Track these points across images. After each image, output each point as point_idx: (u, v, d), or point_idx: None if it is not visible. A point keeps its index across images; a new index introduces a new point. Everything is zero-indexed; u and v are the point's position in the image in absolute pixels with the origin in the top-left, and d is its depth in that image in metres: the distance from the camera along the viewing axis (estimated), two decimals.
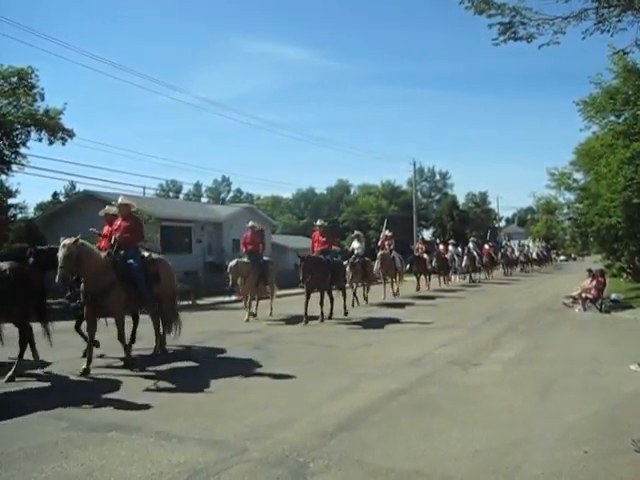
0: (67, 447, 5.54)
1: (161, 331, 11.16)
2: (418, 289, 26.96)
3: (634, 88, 19.64)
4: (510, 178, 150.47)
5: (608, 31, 12.08)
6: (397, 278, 24.12)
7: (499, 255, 41.83)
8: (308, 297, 15.59)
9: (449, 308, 19.58)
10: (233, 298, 20.67)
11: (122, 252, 10.20)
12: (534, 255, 51.58)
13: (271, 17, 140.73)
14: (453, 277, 33.19)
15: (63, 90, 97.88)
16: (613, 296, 18.31)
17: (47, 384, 8.55)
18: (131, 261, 10.12)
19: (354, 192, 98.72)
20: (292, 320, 16.01)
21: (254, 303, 16.98)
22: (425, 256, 28.52)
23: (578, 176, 26.17)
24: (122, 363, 9.81)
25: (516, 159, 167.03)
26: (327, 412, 6.67)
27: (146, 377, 8.94)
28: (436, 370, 9.02)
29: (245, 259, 16.72)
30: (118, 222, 10.79)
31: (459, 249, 34.83)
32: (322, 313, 15.72)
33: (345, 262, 19.18)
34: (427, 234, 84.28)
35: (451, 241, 36.21)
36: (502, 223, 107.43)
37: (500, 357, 10.15)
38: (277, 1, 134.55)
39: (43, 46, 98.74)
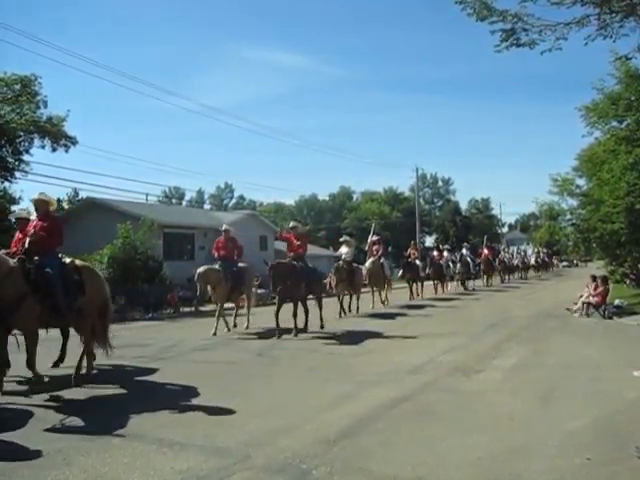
0: (70, 454, 5.55)
1: (95, 348, 9.74)
2: (411, 298, 25.66)
3: (636, 94, 19.67)
4: (513, 184, 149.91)
5: (610, 37, 12.11)
6: (386, 286, 23.00)
7: (497, 261, 39.61)
8: (279, 308, 14.28)
9: (443, 318, 19.51)
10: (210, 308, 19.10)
11: (37, 258, 8.63)
12: (532, 261, 50.24)
13: (272, 23, 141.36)
14: (449, 285, 31.86)
15: (65, 97, 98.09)
16: (616, 302, 18.28)
17: (49, 390, 8.55)
18: (47, 269, 8.57)
19: (356, 198, 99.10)
20: (266, 334, 14.45)
21: (234, 313, 16.31)
22: (418, 263, 27.16)
23: (581, 182, 26.24)
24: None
25: (518, 165, 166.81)
26: (329, 419, 6.67)
27: (147, 384, 8.95)
28: (438, 377, 9.01)
29: (216, 266, 15.48)
30: (34, 222, 9.33)
31: (456, 255, 33.69)
32: (295, 326, 14.17)
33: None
34: (430, 240, 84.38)
35: (446, 246, 34.94)
36: (505, 229, 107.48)
37: (502, 364, 10.14)
38: (278, 7, 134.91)
39: (45, 53, 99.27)
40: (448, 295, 28.24)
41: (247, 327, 15.82)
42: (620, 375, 8.94)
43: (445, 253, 31.97)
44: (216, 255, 15.91)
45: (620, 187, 19.42)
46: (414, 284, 26.43)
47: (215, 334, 14.52)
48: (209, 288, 15.17)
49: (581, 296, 18.25)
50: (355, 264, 20.39)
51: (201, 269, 15.08)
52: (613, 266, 29.24)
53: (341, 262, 19.54)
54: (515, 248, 53.82)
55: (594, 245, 24.84)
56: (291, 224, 16.26)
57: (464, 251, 34.47)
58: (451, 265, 31.20)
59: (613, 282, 24.12)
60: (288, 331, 14.01)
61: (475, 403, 7.40)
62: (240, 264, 16.16)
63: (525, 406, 7.23)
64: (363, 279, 20.88)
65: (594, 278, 18.76)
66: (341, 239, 21.38)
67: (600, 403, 7.26)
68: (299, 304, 14.56)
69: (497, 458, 5.30)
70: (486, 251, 36.98)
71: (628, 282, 27.42)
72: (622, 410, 6.96)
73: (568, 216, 25.66)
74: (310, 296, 15.36)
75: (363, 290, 21.17)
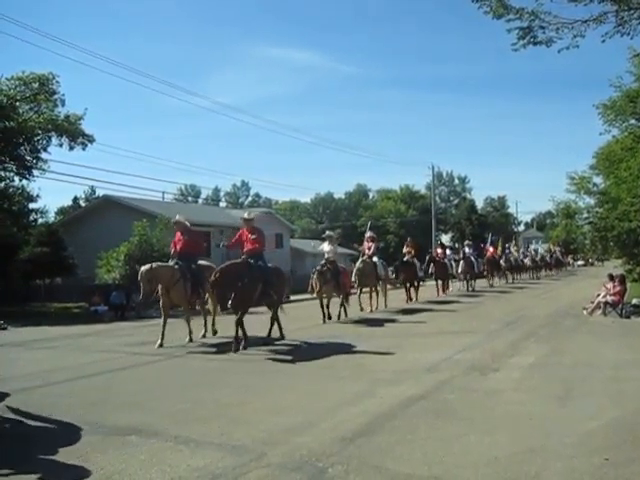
0: (87, 451, 5.58)
1: None
2: (408, 301, 23.09)
3: None
4: (529, 182, 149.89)
5: (628, 34, 12.05)
6: (382, 288, 21.11)
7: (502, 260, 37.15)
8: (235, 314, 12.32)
9: (456, 317, 19.43)
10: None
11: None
12: (538, 259, 47.56)
13: (286, 22, 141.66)
14: (453, 285, 30.01)
15: (83, 95, 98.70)
16: (634, 301, 18.12)
17: (65, 388, 8.62)
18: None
19: (372, 196, 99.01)
20: (224, 348, 12.06)
21: (203, 318, 14.25)
22: (416, 262, 24.51)
23: (598, 180, 26.02)
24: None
25: (535, 163, 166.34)
26: (345, 417, 6.66)
27: (163, 381, 8.99)
28: (454, 375, 8.96)
29: (171, 262, 13.49)
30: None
31: (467, 251, 31.62)
32: (244, 336, 11.94)
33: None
34: (446, 238, 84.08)
35: (448, 244, 33.52)
36: (521, 227, 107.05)
37: (519, 362, 10.06)
38: (292, 6, 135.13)
39: (63, 52, 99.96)
40: (450, 297, 25.94)
41: (203, 335, 13.83)
42: (638, 375, 8.86)
43: (448, 251, 30.49)
44: (172, 251, 14.09)
45: (638, 185, 19.26)
46: (411, 286, 23.85)
47: (161, 345, 12.35)
48: (160, 289, 12.90)
49: (598, 295, 18.11)
50: (342, 265, 19.12)
51: (146, 266, 12.74)
52: (631, 265, 29.00)
53: (324, 262, 17.70)
54: (525, 247, 52.38)
55: (611, 244, 24.64)
56: (245, 214, 13.60)
57: (467, 249, 32.41)
58: (454, 264, 29.45)
59: (631, 281, 23.96)
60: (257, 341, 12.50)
61: (492, 402, 7.36)
62: (203, 262, 14.58)
63: (543, 405, 7.18)
64: (352, 280, 19.21)
65: (611, 277, 18.62)
66: (323, 235, 19.60)
67: (619, 403, 7.19)
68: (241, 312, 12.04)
69: (514, 458, 5.26)
70: (491, 249, 35.42)
71: None
72: None
73: (585, 214, 25.41)
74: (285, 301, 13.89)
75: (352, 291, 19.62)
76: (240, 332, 11.87)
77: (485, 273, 33.87)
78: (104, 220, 32.80)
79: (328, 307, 17.35)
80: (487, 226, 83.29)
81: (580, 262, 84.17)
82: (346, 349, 11.78)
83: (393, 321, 16.84)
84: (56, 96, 26.34)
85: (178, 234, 13.93)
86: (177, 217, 14.47)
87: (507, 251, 40.41)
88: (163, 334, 12.53)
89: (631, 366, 9.57)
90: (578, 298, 21.49)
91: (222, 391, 8.15)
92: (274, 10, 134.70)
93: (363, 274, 19.32)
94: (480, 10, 12.11)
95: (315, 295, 17.58)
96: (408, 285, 23.62)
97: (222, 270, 11.61)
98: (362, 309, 19.46)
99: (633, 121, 20.90)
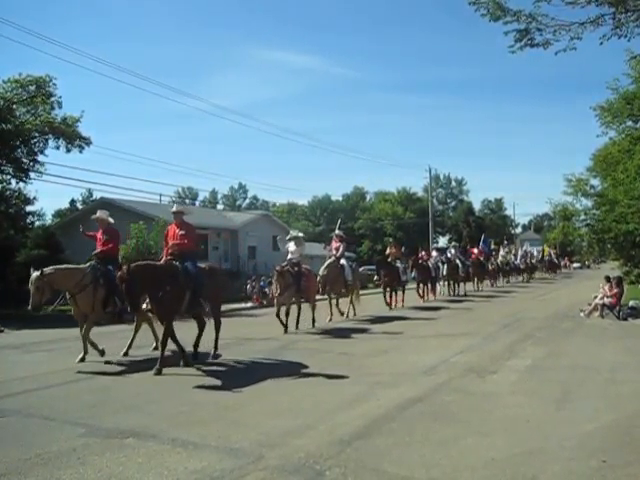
0: (84, 453, 5.57)
1: None
2: (390, 307, 21.39)
3: None
4: (526, 184, 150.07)
5: (625, 36, 12.09)
6: (354, 295, 19.29)
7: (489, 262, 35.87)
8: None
9: (451, 320, 19.40)
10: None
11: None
12: (533, 261, 46.60)
13: (284, 25, 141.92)
14: (438, 289, 28.28)
15: (80, 98, 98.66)
16: (631, 303, 18.16)
17: (62, 390, 8.61)
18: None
19: (370, 199, 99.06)
20: (142, 367, 10.34)
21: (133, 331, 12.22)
22: (399, 264, 22.92)
23: (595, 182, 26.11)
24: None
25: (532, 165, 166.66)
26: (343, 420, 6.66)
27: (160, 385, 8.97)
28: (452, 378, 8.98)
29: (84, 265, 11.65)
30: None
31: (449, 255, 29.94)
32: (161, 353, 10.00)
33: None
34: (443, 241, 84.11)
35: (435, 245, 31.94)
36: (518, 229, 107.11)
37: (516, 365, 10.09)
38: (290, 9, 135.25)
39: (60, 54, 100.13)
40: (435, 303, 24.10)
41: (126, 352, 11.74)
42: (636, 377, 8.89)
43: (434, 253, 28.99)
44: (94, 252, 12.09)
45: (635, 187, 19.30)
46: (392, 290, 22.11)
47: (84, 359, 10.85)
48: (67, 296, 11.18)
49: (595, 297, 18.14)
50: (307, 267, 16.64)
51: (36, 273, 10.54)
52: (628, 267, 29.05)
53: (285, 262, 15.79)
54: (519, 249, 49.24)
55: (609, 246, 24.70)
56: (174, 208, 11.54)
57: (452, 251, 30.90)
58: (440, 267, 27.73)
59: (628, 283, 24.01)
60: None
61: (490, 404, 7.37)
62: (201, 264, 12.10)
63: (540, 408, 7.19)
64: (318, 284, 17.08)
65: (608, 279, 18.65)
66: (288, 236, 17.04)
67: (616, 405, 7.21)
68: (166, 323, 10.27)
69: (512, 460, 5.27)
70: (475, 251, 34.32)
71: None
72: (639, 413, 6.91)
73: (582, 216, 25.51)
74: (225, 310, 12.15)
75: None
76: (173, 347, 10.45)
77: (471, 276, 31.98)
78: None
79: (288, 315, 15.25)
80: (484, 228, 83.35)
81: (576, 264, 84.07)
82: (343, 351, 11.77)
83: (389, 324, 16.82)
84: (53, 98, 26.30)
85: (99, 232, 12.14)
86: (98, 213, 12.53)
87: (493, 253, 39.05)
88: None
89: (628, 368, 9.60)
90: (575, 301, 21.53)
91: (220, 394, 8.14)
92: (273, 13, 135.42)
93: (328, 279, 17.47)
94: (477, 13, 12.14)
95: (274, 301, 15.70)
96: (389, 289, 21.97)
97: (136, 268, 9.72)
98: (331, 319, 17.55)
99: (630, 123, 20.97)
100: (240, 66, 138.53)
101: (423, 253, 26.94)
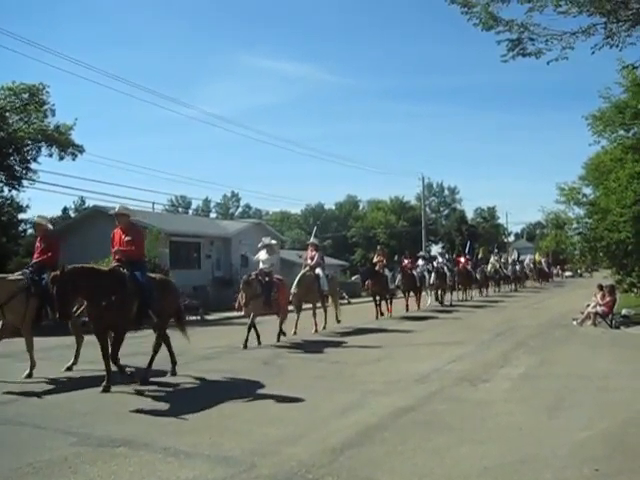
0: (76, 462, 5.53)
1: None
2: (378, 316, 20.78)
3: None
4: (519, 193, 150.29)
5: (617, 46, 12.17)
6: (333, 304, 18.49)
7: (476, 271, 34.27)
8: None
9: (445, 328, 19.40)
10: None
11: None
12: (525, 270, 45.56)
13: (276, 32, 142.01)
14: (425, 299, 27.22)
15: (72, 105, 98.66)
16: (624, 312, 18.24)
17: (54, 399, 8.56)
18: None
19: (363, 207, 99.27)
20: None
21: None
22: (387, 272, 22.08)
23: (587, 191, 26.08)
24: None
25: (525, 174, 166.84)
26: (335, 428, 6.64)
27: (153, 393, 8.93)
28: (445, 386, 8.97)
29: (17, 274, 10.55)
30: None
31: (436, 263, 28.83)
32: (108, 379, 8.94)
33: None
34: (436, 249, 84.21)
35: (421, 253, 29.74)
36: (511, 238, 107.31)
37: (509, 373, 10.09)
38: (282, 16, 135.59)
39: (53, 62, 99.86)
40: (425, 313, 23.58)
41: (72, 366, 10.92)
42: (629, 385, 8.91)
43: (420, 262, 27.47)
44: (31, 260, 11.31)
45: (627, 196, 19.33)
46: (382, 299, 21.47)
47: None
48: None
49: (588, 306, 18.17)
50: (278, 277, 15.50)
51: None
52: (620, 275, 29.09)
53: (256, 273, 14.57)
54: (509, 256, 48.41)
55: (601, 254, 24.68)
56: (116, 209, 10.30)
57: (440, 259, 30.07)
58: (427, 275, 26.48)
59: (620, 292, 24.04)
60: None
61: (483, 413, 7.36)
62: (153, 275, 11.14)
63: (533, 416, 7.19)
64: (289, 296, 15.96)
65: (601, 287, 18.69)
66: (260, 244, 15.80)
67: (609, 414, 7.22)
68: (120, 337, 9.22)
69: (505, 468, 5.26)
70: (462, 260, 32.82)
71: (636, 291, 27.28)
72: (631, 421, 6.91)
73: (575, 225, 25.46)
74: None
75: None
76: (161, 355, 10.07)
77: (459, 286, 30.76)
78: (94, 230, 32.53)
79: (254, 328, 14.02)
80: (477, 237, 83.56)
81: (568, 273, 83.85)
82: (336, 359, 11.77)
83: (381, 332, 16.82)
84: (46, 106, 26.35)
85: (38, 240, 11.16)
86: (37, 218, 11.84)
87: (478, 262, 37.35)
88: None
89: (621, 377, 9.62)
90: (567, 309, 21.57)
91: (212, 402, 8.10)
92: (265, 20, 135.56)
93: (301, 289, 16.49)
94: (469, 22, 12.20)
95: (242, 312, 14.38)
96: (378, 299, 21.26)
97: (72, 270, 8.68)
98: (295, 332, 15.95)
99: (622, 132, 21.02)
100: (233, 74, 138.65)
101: (407, 261, 25.55)
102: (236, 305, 14.39)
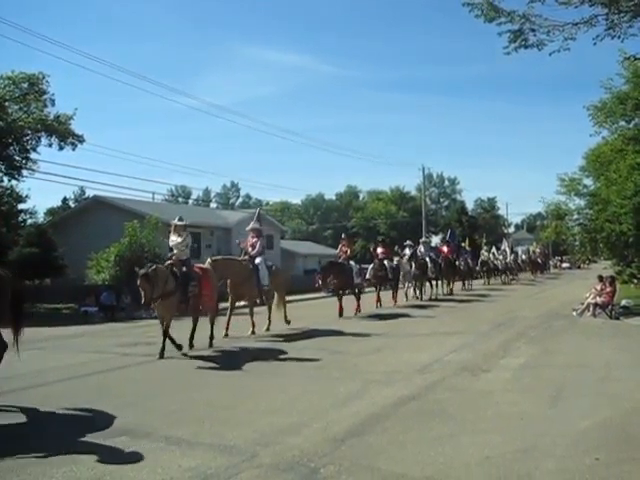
0: (77, 452, 5.55)
1: None
2: (340, 314, 18.24)
3: None
4: (519, 184, 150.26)
5: (619, 37, 12.15)
6: (278, 302, 15.91)
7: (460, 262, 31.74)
8: None
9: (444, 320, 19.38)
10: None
11: None
12: (519, 260, 43.75)
13: (277, 23, 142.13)
14: (409, 291, 24.81)
15: (72, 95, 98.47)
16: (623, 302, 18.25)
17: (55, 388, 8.58)
18: None
19: (363, 198, 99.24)
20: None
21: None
22: (352, 264, 19.66)
23: (588, 182, 26.06)
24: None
25: (525, 165, 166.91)
26: (337, 418, 6.65)
27: (155, 382, 8.95)
28: (446, 376, 8.98)
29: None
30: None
31: (418, 253, 26.04)
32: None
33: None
34: (436, 240, 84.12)
35: (408, 242, 26.35)
36: (511, 229, 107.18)
37: (510, 363, 10.10)
38: (283, 7, 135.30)
39: (53, 52, 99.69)
40: (422, 302, 23.16)
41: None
42: (629, 375, 8.91)
43: (407, 250, 25.23)
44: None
45: (627, 187, 19.31)
46: (343, 295, 19.17)
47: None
48: None
49: (588, 296, 18.17)
50: (201, 266, 12.95)
51: None
52: (620, 266, 29.12)
53: (167, 263, 11.90)
54: (502, 246, 44.07)
55: (601, 245, 24.68)
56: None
57: (421, 248, 26.91)
58: (405, 267, 23.93)
59: (620, 283, 24.07)
60: None
61: (484, 402, 7.37)
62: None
63: (534, 406, 7.20)
64: (216, 288, 13.22)
65: (601, 278, 18.69)
66: (170, 223, 13.07)
67: (609, 403, 7.22)
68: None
69: (506, 457, 5.27)
70: (445, 249, 30.51)
71: (636, 282, 27.34)
72: (632, 410, 6.92)
73: (575, 216, 25.44)
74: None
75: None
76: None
77: (441, 277, 28.07)
78: (94, 221, 32.68)
79: (166, 334, 11.29)
80: (477, 228, 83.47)
81: (565, 264, 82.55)
82: (337, 349, 11.74)
83: (383, 322, 16.81)
84: (46, 96, 26.23)
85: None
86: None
87: (463, 251, 34.71)
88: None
89: (622, 367, 9.63)
90: (567, 300, 21.56)
91: (214, 392, 8.13)
92: (266, 11, 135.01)
93: (236, 282, 14.14)
94: (471, 14, 12.17)
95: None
96: (341, 293, 19.00)
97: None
98: (226, 334, 13.79)
99: (623, 123, 20.99)
100: (233, 64, 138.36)
101: (380, 250, 22.69)
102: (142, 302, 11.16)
